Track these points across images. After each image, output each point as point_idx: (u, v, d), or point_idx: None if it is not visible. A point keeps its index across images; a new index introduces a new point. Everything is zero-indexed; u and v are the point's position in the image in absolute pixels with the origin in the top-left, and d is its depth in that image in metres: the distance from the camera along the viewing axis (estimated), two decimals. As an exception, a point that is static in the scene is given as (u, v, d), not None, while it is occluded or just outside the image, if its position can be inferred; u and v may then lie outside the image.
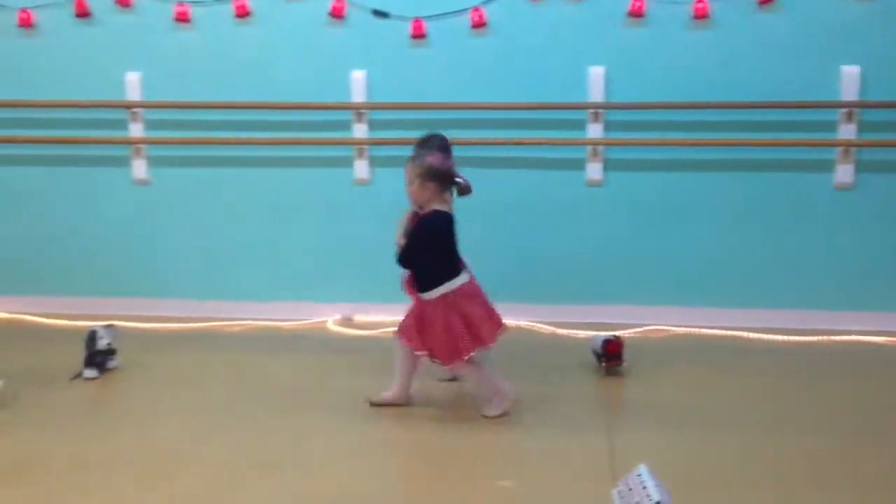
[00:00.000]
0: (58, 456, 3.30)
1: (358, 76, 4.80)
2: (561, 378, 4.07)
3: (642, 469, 2.75)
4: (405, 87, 4.79)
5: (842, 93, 4.54)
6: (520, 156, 4.81)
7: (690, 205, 4.77)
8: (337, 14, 4.74)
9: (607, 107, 4.70)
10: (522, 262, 4.88)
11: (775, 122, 4.62)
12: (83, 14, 4.83)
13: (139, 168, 4.99)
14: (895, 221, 4.68)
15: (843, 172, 4.64)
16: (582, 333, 4.61)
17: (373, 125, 4.86)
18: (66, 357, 4.17)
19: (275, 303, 5.00)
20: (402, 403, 3.70)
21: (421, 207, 3.55)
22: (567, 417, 3.64)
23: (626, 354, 4.07)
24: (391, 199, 4.87)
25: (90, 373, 4.03)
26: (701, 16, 4.55)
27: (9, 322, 4.98)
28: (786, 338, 4.60)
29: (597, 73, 4.67)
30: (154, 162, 4.99)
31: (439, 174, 3.48)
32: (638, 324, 4.77)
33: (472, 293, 3.56)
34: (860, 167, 4.63)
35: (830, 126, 4.60)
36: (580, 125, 4.74)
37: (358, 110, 4.83)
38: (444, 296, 3.50)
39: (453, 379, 3.90)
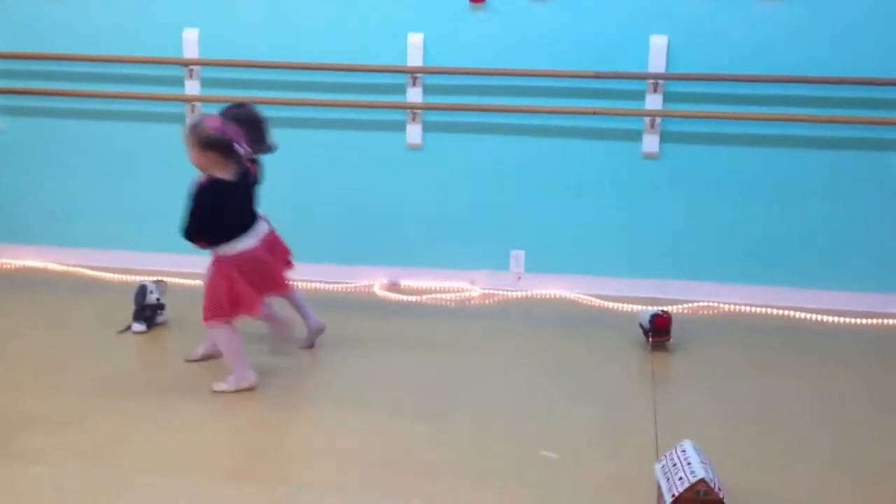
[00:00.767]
0: (99, 409, 3.36)
1: (415, 39, 4.75)
2: (607, 351, 4.04)
3: (687, 444, 2.71)
4: (462, 51, 4.73)
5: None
6: (576, 125, 4.73)
7: (747, 181, 4.65)
8: (396, -24, 4.69)
9: (667, 77, 4.59)
10: (573, 233, 4.81)
11: (844, 98, 4.48)
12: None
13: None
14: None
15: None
16: (630, 307, 4.55)
17: (427, 90, 4.82)
18: (116, 309, 4.24)
19: (322, 265, 5.00)
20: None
21: (203, 173, 3.49)
22: (612, 391, 3.61)
23: (675, 330, 4.01)
24: (443, 165, 4.90)
25: (139, 326, 4.09)
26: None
27: (64, 274, 5.06)
28: (842, 319, 4.48)
29: (659, 42, 4.57)
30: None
31: (215, 142, 3.41)
32: (688, 300, 4.69)
33: (253, 262, 3.55)
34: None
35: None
36: (639, 95, 4.64)
37: (413, 74, 4.79)
38: (221, 257, 3.53)
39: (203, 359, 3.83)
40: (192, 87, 4.96)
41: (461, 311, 4.60)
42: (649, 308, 4.13)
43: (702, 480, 2.51)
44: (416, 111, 4.83)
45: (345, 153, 4.96)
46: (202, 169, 3.46)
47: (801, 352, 4.09)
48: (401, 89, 4.83)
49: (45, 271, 5.06)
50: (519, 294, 4.81)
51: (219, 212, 3.46)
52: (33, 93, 5.04)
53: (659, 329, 3.97)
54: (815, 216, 4.64)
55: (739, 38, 4.51)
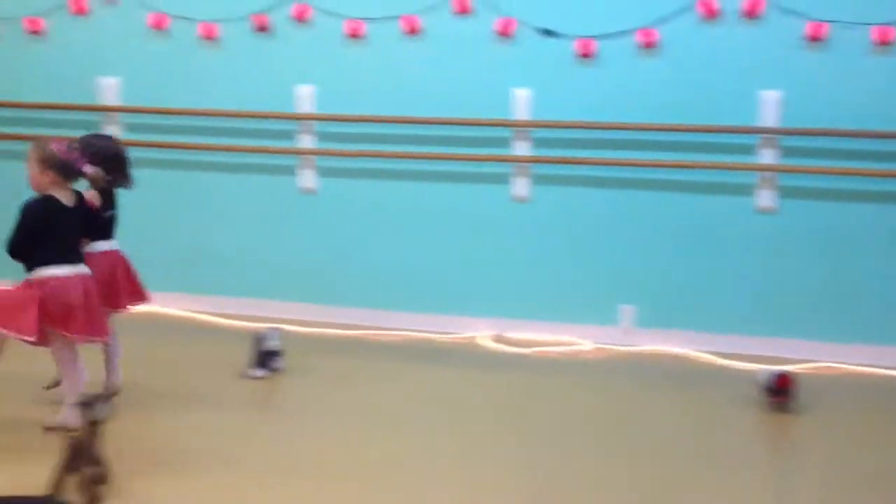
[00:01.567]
0: (222, 447, 3.42)
1: (521, 94, 4.81)
2: (724, 411, 3.93)
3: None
4: (568, 105, 4.77)
5: None
6: (685, 179, 4.71)
7: (869, 236, 4.55)
8: (504, 32, 4.77)
9: (780, 132, 4.55)
10: (684, 287, 4.76)
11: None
12: (262, 28, 5.02)
13: (307, 178, 5.14)
14: None
15: None
16: (743, 365, 4.45)
17: (534, 143, 4.86)
18: (233, 355, 4.33)
19: (426, 315, 5.04)
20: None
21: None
22: (728, 453, 3.49)
23: (796, 391, 3.89)
24: (550, 217, 4.92)
25: (258, 372, 4.16)
26: (883, 42, 4.36)
27: (181, 319, 5.18)
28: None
29: (771, 97, 4.53)
30: (323, 172, 5.13)
31: (58, 164, 3.39)
32: (809, 359, 4.55)
33: (60, 296, 3.35)
34: None
35: None
36: (749, 150, 4.61)
37: (519, 128, 4.84)
38: (28, 280, 3.40)
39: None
40: (306, 141, 5.10)
41: (569, 366, 4.57)
42: (771, 367, 4.02)
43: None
44: (523, 164, 4.87)
45: (448, 205, 5.01)
46: (39, 188, 3.44)
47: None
48: (505, 143, 4.88)
49: (166, 316, 5.19)
50: (629, 349, 4.76)
51: (42, 231, 3.39)
52: (154, 145, 5.21)
53: (781, 389, 3.86)
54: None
55: (849, 91, 4.47)
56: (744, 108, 4.58)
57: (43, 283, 3.38)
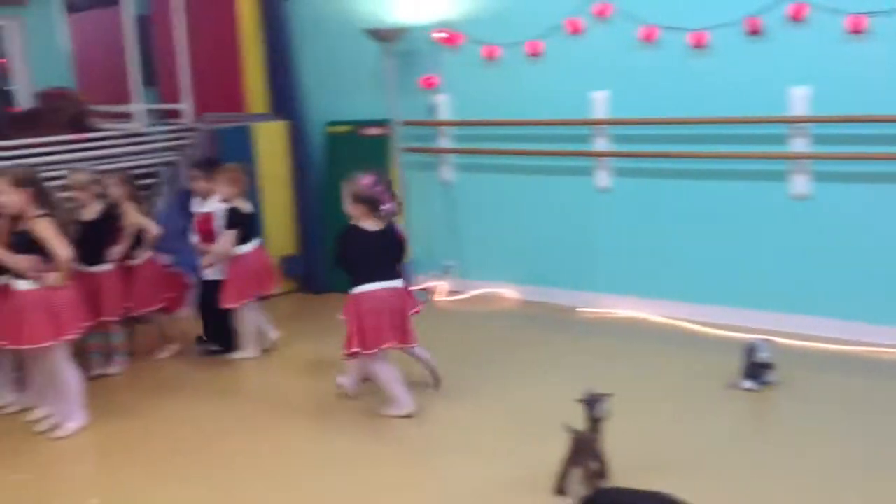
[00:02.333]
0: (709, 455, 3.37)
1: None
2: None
3: None
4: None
5: None
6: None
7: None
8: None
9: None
10: None
11: None
12: (755, 31, 4.88)
13: (799, 183, 4.89)
14: None
15: None
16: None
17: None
18: (719, 365, 4.27)
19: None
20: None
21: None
22: None
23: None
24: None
25: (748, 384, 4.07)
26: None
27: (665, 326, 5.24)
28: None
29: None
30: (816, 177, 4.84)
31: (363, 198, 3.94)
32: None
33: (375, 308, 3.92)
34: None
35: None
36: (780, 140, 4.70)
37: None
38: (352, 296, 3.98)
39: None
40: (799, 145, 4.84)
41: None
42: None
43: None
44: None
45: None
46: (352, 218, 4.00)
47: None
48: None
49: (645, 322, 5.31)
50: None
51: (354, 254, 3.99)
52: (642, 155, 5.37)
53: None
54: None
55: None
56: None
57: (358, 298, 3.97)
